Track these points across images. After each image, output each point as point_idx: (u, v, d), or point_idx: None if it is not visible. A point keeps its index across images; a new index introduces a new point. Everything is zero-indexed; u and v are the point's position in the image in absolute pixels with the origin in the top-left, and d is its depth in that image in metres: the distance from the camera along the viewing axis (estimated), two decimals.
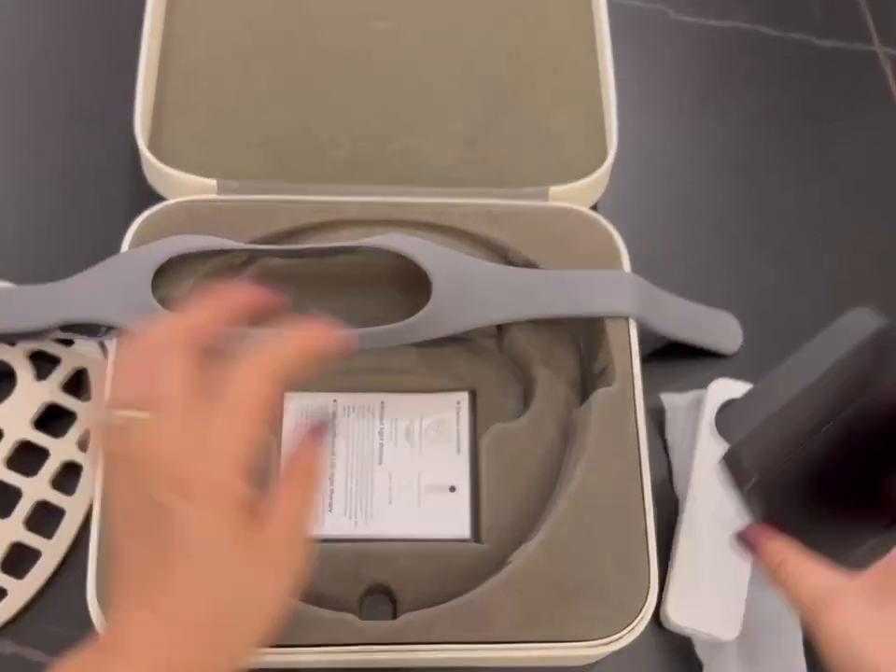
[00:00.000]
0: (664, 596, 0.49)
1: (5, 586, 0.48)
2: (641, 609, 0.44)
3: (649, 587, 0.45)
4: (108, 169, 0.60)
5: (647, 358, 0.51)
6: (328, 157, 0.57)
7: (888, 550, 0.37)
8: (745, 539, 0.41)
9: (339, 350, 0.35)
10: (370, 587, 0.46)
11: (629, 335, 0.50)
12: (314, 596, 0.44)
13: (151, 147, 0.55)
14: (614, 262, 0.52)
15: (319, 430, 0.35)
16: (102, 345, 0.52)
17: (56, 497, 0.50)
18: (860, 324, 0.39)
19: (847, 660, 0.34)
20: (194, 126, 0.57)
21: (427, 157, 0.57)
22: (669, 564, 0.49)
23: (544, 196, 0.54)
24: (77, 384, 0.52)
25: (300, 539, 0.33)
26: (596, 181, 0.56)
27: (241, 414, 0.32)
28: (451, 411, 0.52)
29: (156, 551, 0.31)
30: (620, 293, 0.51)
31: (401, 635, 0.43)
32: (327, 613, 0.44)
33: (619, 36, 0.60)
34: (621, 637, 0.44)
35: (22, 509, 0.49)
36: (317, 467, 0.35)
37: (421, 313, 0.48)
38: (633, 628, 0.44)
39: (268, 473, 0.48)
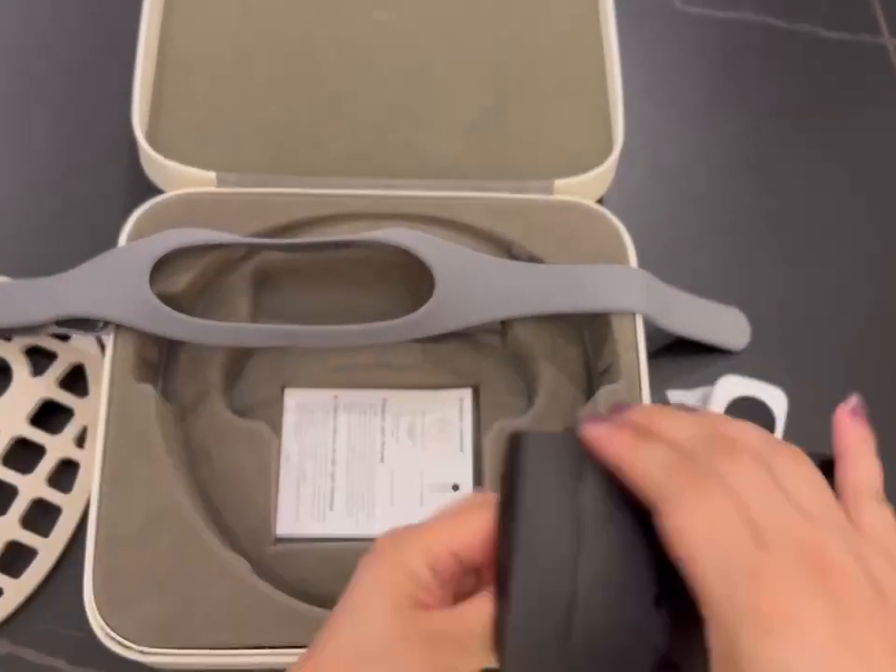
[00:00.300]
0: None
1: (0, 585, 0.47)
2: None
3: None
4: (106, 162, 0.59)
5: (653, 354, 0.50)
6: (328, 149, 0.56)
7: None
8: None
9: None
10: None
11: (636, 331, 0.49)
12: (315, 597, 0.44)
13: (149, 140, 0.54)
14: (620, 257, 0.51)
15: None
16: (99, 340, 0.52)
17: (52, 495, 0.49)
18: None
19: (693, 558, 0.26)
20: (193, 118, 0.56)
21: (429, 149, 0.57)
22: None
23: (549, 189, 0.53)
24: (73, 379, 0.52)
25: (468, 649, 0.30)
26: (602, 174, 0.55)
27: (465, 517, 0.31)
28: (454, 408, 0.51)
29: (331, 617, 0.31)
30: (626, 288, 0.50)
31: None
32: (328, 613, 0.43)
33: (625, 28, 0.59)
34: None
35: (18, 507, 0.48)
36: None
37: (424, 308, 0.47)
38: None
39: (267, 468, 0.48)
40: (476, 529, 0.30)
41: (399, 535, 0.31)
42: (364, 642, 0.29)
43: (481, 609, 0.30)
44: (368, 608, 0.30)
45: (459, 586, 0.31)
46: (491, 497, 0.31)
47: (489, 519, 0.30)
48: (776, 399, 0.51)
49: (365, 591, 0.30)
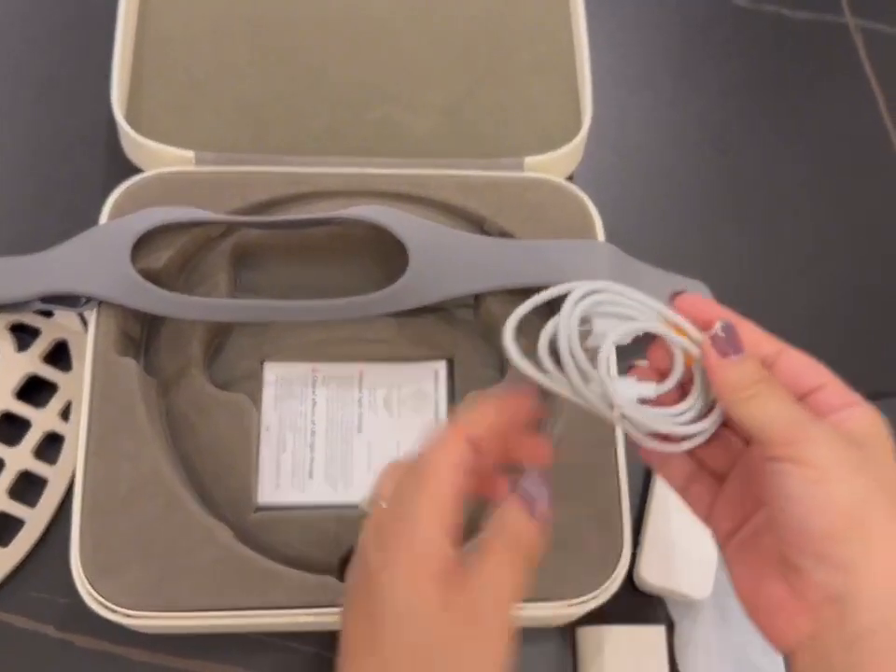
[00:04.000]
0: (637, 557, 0.50)
1: None
2: (615, 570, 0.46)
3: (622, 548, 0.46)
4: (85, 141, 0.59)
5: None
6: (305, 127, 0.57)
7: None
8: (717, 342, 0.33)
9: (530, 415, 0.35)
10: (350, 551, 0.47)
11: None
12: (295, 560, 0.45)
13: (128, 119, 0.55)
14: (589, 232, 0.53)
15: (535, 503, 0.33)
16: (81, 316, 0.53)
17: (39, 467, 0.50)
18: None
19: (820, 505, 0.30)
20: (171, 97, 0.57)
21: (404, 126, 0.58)
22: (642, 526, 0.51)
23: (520, 166, 0.55)
24: (57, 355, 0.53)
25: (505, 607, 0.32)
26: (571, 151, 0.56)
27: (444, 477, 0.32)
28: (429, 379, 0.53)
29: (367, 612, 0.31)
30: (594, 262, 0.51)
31: None
32: (308, 576, 0.45)
33: (594, 8, 0.61)
34: (595, 597, 0.45)
35: (5, 478, 0.50)
36: (530, 536, 0.33)
37: (398, 283, 0.49)
38: (607, 588, 0.45)
39: (248, 439, 0.49)
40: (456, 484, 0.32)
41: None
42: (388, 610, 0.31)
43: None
44: (391, 575, 0.31)
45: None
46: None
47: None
48: None
49: (383, 554, 0.32)
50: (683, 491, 0.37)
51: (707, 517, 0.36)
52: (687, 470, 0.37)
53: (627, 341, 0.34)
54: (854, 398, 0.33)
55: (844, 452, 0.31)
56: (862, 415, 0.32)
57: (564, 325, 0.33)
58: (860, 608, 0.29)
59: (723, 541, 0.35)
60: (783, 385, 0.32)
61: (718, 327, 0.33)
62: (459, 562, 0.31)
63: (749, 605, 0.33)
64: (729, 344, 0.32)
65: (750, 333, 0.34)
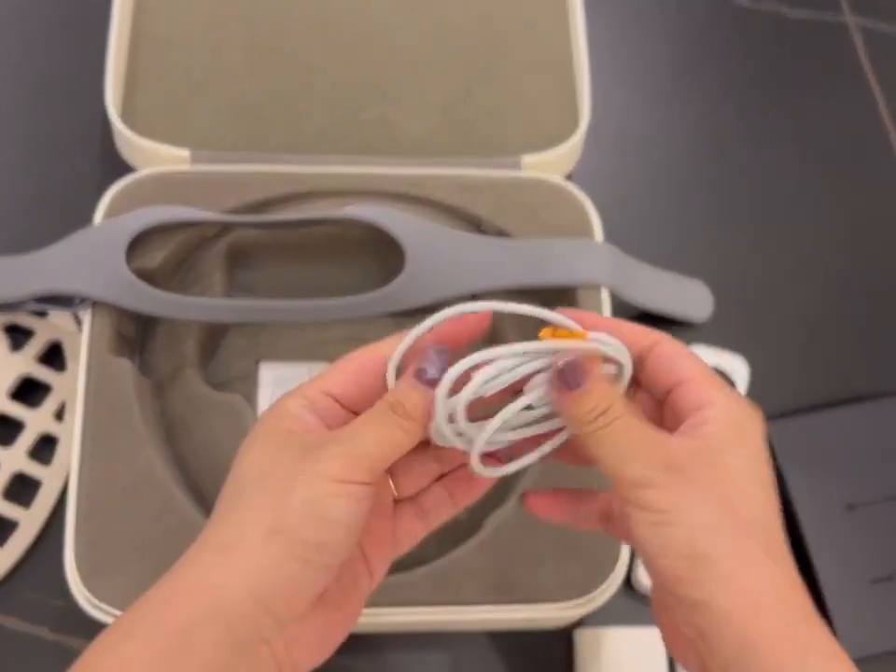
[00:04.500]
0: (635, 559, 0.50)
1: None
2: (613, 572, 0.45)
3: (620, 550, 0.46)
4: (80, 140, 0.59)
5: None
6: (301, 126, 0.57)
7: None
8: (562, 377, 0.31)
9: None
10: None
11: (601, 304, 0.51)
12: None
13: (123, 118, 0.54)
14: (587, 231, 0.53)
15: (426, 376, 0.31)
16: (76, 317, 0.52)
17: (33, 468, 0.50)
18: None
19: (663, 549, 0.29)
20: (166, 96, 0.57)
21: (401, 126, 0.57)
22: None
23: (517, 165, 0.55)
24: (51, 356, 0.52)
25: (353, 452, 0.30)
26: (569, 150, 0.56)
27: (343, 363, 0.33)
28: None
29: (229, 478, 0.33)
30: (592, 262, 0.51)
31: (376, 598, 0.44)
32: None
33: (592, 6, 0.60)
34: (593, 600, 0.45)
35: (0, 479, 0.49)
36: (408, 397, 0.31)
37: (394, 283, 0.48)
38: (604, 590, 0.45)
39: (243, 440, 0.48)
40: (349, 370, 0.33)
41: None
42: (243, 470, 0.32)
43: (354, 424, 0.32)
44: (248, 446, 0.33)
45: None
46: (371, 347, 0.33)
47: (363, 360, 0.33)
48: (737, 367, 0.53)
49: (249, 436, 0.33)
50: (606, 528, 0.36)
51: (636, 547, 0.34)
52: (603, 510, 0.36)
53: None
54: (711, 394, 0.32)
55: (681, 487, 0.30)
56: (717, 414, 0.31)
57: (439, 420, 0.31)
58: (716, 644, 0.29)
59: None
60: (633, 408, 0.32)
61: (559, 363, 0.31)
62: (319, 432, 0.32)
63: (663, 638, 0.33)
64: (572, 378, 0.31)
65: (628, 328, 0.33)
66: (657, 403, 0.34)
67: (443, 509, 0.36)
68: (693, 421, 0.31)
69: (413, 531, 0.35)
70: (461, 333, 0.33)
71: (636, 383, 0.34)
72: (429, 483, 0.36)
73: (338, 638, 0.33)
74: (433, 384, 0.31)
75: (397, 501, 0.35)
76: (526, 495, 0.37)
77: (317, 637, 0.32)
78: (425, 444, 0.33)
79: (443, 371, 0.31)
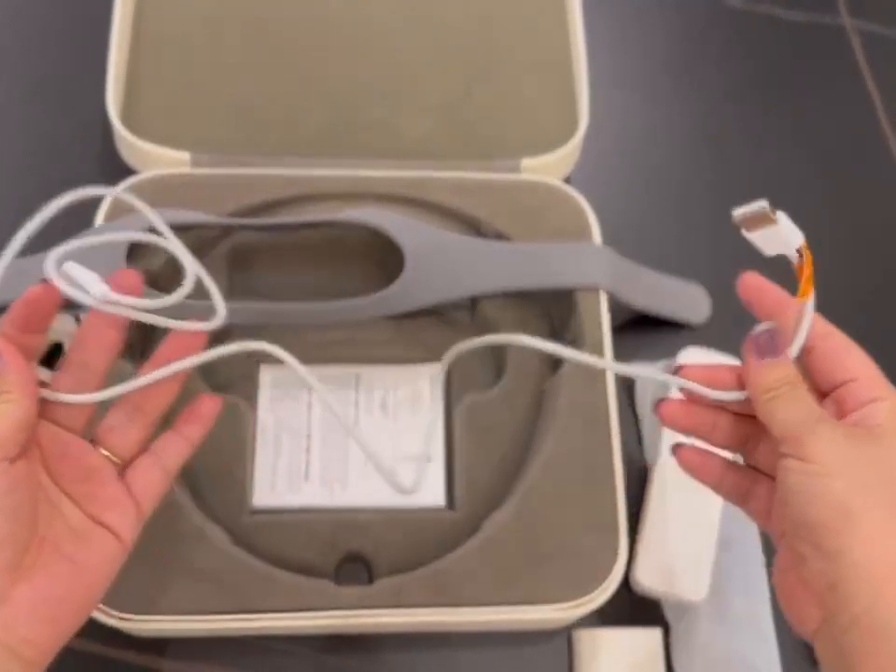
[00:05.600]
0: (633, 560, 0.50)
1: None
2: (611, 573, 0.46)
3: (618, 551, 0.46)
4: (80, 142, 0.59)
5: (617, 329, 0.52)
6: (301, 129, 0.57)
7: None
8: (758, 344, 0.35)
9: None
10: (346, 555, 0.47)
11: (600, 307, 0.51)
12: (290, 563, 0.45)
13: (124, 120, 0.55)
14: (585, 235, 0.53)
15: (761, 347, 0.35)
16: (77, 319, 0.52)
17: None
18: None
19: (815, 497, 0.32)
20: (167, 99, 0.57)
21: (400, 128, 0.58)
22: (638, 528, 0.51)
23: (516, 168, 0.55)
24: (52, 358, 0.53)
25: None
26: (568, 153, 0.56)
27: None
28: (425, 382, 0.53)
29: None
30: (590, 265, 0.51)
31: (376, 600, 0.44)
32: (303, 580, 0.45)
33: (590, 8, 0.61)
34: (591, 601, 0.45)
35: None
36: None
37: (393, 286, 0.48)
38: (603, 591, 0.45)
39: (243, 442, 0.49)
40: None
41: None
42: None
43: None
44: None
45: None
46: None
47: None
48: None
49: None
50: (744, 506, 0.38)
51: (766, 524, 0.37)
52: (742, 488, 0.38)
53: None
54: (880, 392, 0.34)
55: (846, 448, 0.32)
56: (887, 410, 0.33)
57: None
58: (849, 595, 0.31)
59: (777, 542, 0.37)
60: (810, 383, 0.35)
61: (760, 329, 0.35)
62: None
63: (780, 597, 0.35)
64: (768, 347, 0.35)
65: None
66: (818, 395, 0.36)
67: (177, 448, 0.40)
68: (859, 415, 0.34)
69: (152, 482, 0.38)
70: None
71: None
72: (143, 436, 0.39)
73: (79, 602, 0.35)
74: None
75: (126, 464, 0.38)
76: (681, 447, 0.38)
77: (39, 607, 0.34)
78: (128, 401, 0.38)
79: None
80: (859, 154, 0.64)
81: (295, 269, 0.53)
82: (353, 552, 0.47)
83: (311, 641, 0.49)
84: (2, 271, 0.38)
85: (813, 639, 0.33)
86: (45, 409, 0.36)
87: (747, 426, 0.37)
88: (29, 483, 0.34)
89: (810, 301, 0.36)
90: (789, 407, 0.34)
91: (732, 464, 0.38)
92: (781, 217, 0.35)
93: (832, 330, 0.36)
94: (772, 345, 0.35)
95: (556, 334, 0.53)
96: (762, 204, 0.35)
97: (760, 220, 0.36)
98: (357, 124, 0.58)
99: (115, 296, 0.36)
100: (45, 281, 0.36)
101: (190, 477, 0.48)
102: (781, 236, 0.35)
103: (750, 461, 0.38)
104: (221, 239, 0.52)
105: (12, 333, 0.36)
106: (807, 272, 0.36)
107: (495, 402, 0.50)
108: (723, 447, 0.38)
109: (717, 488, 0.39)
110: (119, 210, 0.51)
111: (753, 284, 0.38)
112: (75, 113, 0.60)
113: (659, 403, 0.38)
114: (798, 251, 0.35)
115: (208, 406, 0.41)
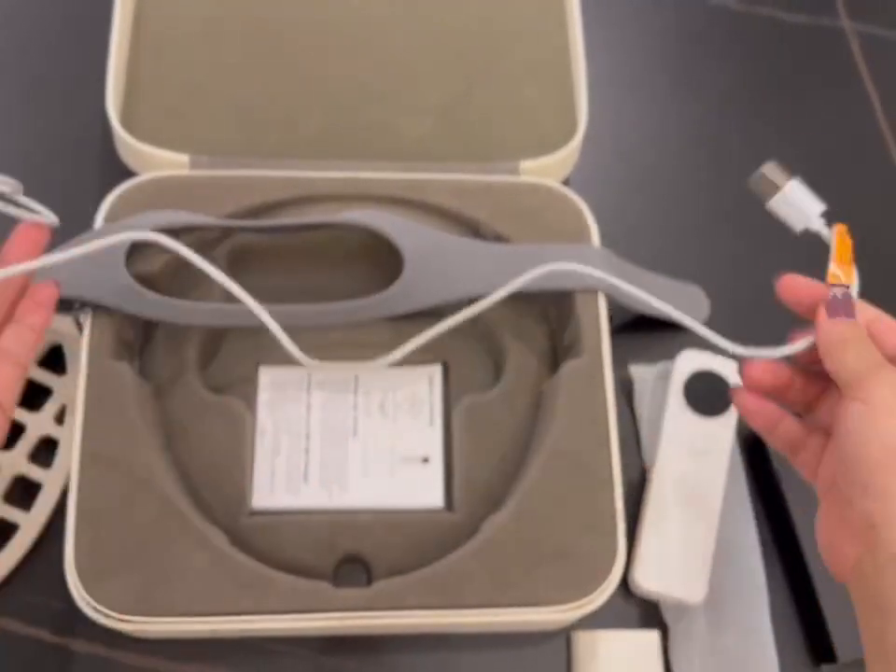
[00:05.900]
0: (631, 562, 0.50)
1: None
2: (609, 575, 0.46)
3: (617, 553, 0.46)
4: (80, 144, 0.59)
5: (616, 331, 0.52)
6: (300, 130, 0.57)
7: None
8: (832, 305, 0.40)
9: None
10: (344, 556, 0.47)
11: (598, 308, 0.51)
12: (289, 565, 0.45)
13: (123, 123, 0.55)
14: (584, 236, 0.53)
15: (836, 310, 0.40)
16: (76, 320, 0.52)
17: (33, 471, 0.50)
18: None
19: (872, 437, 0.34)
20: (166, 101, 0.57)
21: (399, 130, 0.58)
22: (637, 530, 0.51)
23: (515, 170, 0.55)
24: (52, 359, 0.53)
25: None
26: (567, 155, 0.56)
27: None
28: (423, 383, 0.53)
29: None
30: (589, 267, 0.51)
31: (374, 602, 0.44)
32: (301, 582, 0.45)
33: (589, 11, 0.61)
34: (589, 602, 0.45)
35: (0, 483, 0.50)
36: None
37: (392, 287, 0.49)
38: (602, 593, 0.45)
39: (242, 443, 0.49)
40: None
41: None
42: None
43: None
44: None
45: None
46: None
47: None
48: (733, 372, 0.54)
49: None
50: (793, 457, 0.41)
51: (812, 476, 0.40)
52: (795, 436, 0.41)
53: None
54: None
55: None
56: None
57: None
58: (891, 535, 0.33)
59: (823, 495, 0.39)
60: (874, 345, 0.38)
61: (836, 290, 0.40)
62: None
63: (820, 542, 0.38)
64: (841, 308, 0.39)
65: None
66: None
67: (24, 339, 0.42)
68: None
69: (6, 377, 0.40)
70: None
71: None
72: None
73: None
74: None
75: None
76: (738, 390, 0.42)
77: None
78: None
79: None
80: (857, 156, 0.64)
81: (294, 270, 0.53)
82: (351, 553, 0.47)
83: (310, 642, 0.49)
84: None
85: (848, 579, 0.35)
86: None
87: (816, 388, 0.41)
88: None
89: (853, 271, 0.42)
90: (853, 354, 0.37)
91: (788, 413, 0.41)
92: (794, 181, 0.41)
93: (880, 315, 0.40)
94: (845, 307, 0.39)
95: (555, 336, 0.53)
96: (769, 164, 0.40)
97: (773, 183, 0.42)
98: (357, 126, 0.58)
99: None
100: None
101: (189, 478, 0.48)
102: (796, 200, 0.40)
103: (808, 421, 0.41)
104: (221, 241, 0.52)
105: None
106: (839, 235, 0.42)
107: (494, 403, 0.50)
108: (794, 404, 0.41)
109: (769, 434, 0.42)
110: (118, 212, 0.51)
111: (791, 284, 0.42)
112: (74, 114, 0.60)
113: (744, 362, 0.42)
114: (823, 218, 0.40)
115: (44, 293, 0.43)
